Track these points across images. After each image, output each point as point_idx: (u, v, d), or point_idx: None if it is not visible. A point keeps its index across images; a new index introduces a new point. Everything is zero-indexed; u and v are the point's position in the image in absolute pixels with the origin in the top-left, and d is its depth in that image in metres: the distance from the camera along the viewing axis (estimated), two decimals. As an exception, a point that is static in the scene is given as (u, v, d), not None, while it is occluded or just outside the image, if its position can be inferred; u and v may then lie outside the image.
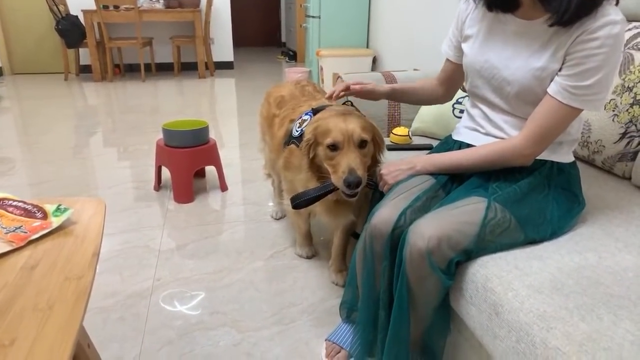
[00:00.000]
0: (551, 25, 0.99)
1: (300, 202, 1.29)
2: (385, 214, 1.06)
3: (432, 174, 1.17)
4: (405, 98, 1.47)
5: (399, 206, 1.07)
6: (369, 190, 1.41)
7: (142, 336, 1.38)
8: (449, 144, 1.31)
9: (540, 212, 1.04)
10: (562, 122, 1.03)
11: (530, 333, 0.78)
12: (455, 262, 0.97)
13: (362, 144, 1.24)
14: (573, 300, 0.81)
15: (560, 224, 1.05)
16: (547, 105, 1.02)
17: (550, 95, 1.01)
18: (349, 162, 1.19)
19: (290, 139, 1.46)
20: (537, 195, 1.07)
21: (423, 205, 1.09)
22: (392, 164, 1.23)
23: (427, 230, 0.96)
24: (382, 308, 1.08)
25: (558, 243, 1.01)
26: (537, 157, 1.09)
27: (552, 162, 1.11)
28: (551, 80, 1.02)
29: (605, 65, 0.95)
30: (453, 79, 1.36)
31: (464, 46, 1.22)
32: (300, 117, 1.48)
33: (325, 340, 1.33)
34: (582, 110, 1.02)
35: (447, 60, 1.33)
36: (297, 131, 1.43)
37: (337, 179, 1.21)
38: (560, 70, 1.00)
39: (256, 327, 1.42)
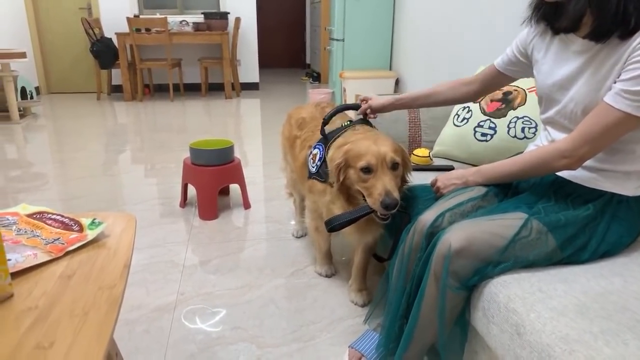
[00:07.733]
0: (591, 39, 0.99)
1: (335, 225, 1.32)
2: (429, 213, 1.13)
3: (484, 185, 1.20)
4: (420, 103, 1.46)
5: (441, 208, 1.13)
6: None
7: (165, 349, 1.41)
8: None
9: (585, 238, 1.03)
10: (610, 128, 0.97)
11: (552, 355, 0.77)
12: (478, 272, 0.99)
13: (394, 166, 1.27)
14: (598, 324, 0.80)
15: (601, 251, 1.04)
16: (598, 109, 0.99)
17: (604, 100, 0.98)
18: (384, 184, 1.22)
19: (310, 176, 1.49)
20: (586, 221, 1.04)
21: (466, 211, 1.12)
22: (447, 177, 1.26)
23: (455, 234, 0.99)
24: (406, 299, 1.11)
25: (583, 266, 1.01)
26: (597, 188, 1.06)
27: (613, 193, 1.06)
28: None
29: None
30: (490, 82, 1.37)
31: (534, 71, 1.22)
32: (311, 152, 1.50)
33: (349, 347, 1.35)
34: (636, 120, 0.95)
35: (493, 66, 1.33)
36: (313, 167, 1.47)
37: (373, 201, 1.23)
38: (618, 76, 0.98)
39: (276, 344, 1.43)
